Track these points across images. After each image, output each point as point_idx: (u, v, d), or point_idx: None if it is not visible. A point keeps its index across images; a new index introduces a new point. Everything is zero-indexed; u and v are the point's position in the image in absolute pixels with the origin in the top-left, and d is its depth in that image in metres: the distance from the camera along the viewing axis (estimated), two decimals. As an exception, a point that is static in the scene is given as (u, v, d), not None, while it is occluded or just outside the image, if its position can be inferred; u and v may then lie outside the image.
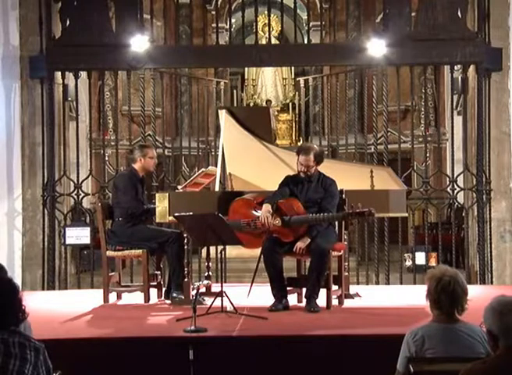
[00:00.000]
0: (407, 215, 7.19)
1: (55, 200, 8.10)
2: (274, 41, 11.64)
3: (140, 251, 6.18)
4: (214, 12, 12.12)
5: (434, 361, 3.20)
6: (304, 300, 5.72)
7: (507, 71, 8.04)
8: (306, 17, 10.15)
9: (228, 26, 10.78)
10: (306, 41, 9.77)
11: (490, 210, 8.00)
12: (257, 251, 5.80)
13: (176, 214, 5.63)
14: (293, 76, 14.93)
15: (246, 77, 15.09)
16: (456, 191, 8.15)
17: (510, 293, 2.98)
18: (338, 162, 7.37)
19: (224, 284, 5.53)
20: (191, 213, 5.54)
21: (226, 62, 9.35)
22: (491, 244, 7.97)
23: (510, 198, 8.04)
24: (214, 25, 10.96)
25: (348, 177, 6.27)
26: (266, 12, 9.86)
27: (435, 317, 3.39)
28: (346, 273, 6.22)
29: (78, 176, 8.20)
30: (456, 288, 3.31)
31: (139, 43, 7.89)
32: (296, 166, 5.86)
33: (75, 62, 8.04)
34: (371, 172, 6.49)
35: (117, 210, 6.29)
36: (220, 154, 6.53)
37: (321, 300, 5.68)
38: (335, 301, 5.88)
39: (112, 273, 6.46)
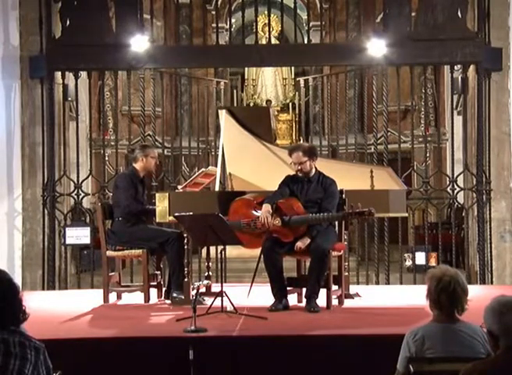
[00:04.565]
0: (407, 215, 7.19)
1: (55, 200, 8.11)
2: (274, 41, 11.61)
3: (140, 251, 6.17)
4: (214, 12, 12.11)
5: (434, 361, 3.20)
6: (304, 300, 5.71)
7: (507, 71, 8.03)
8: (306, 17, 10.14)
9: (228, 26, 10.77)
10: (306, 41, 9.76)
11: (490, 210, 7.99)
12: (257, 251, 5.79)
13: (176, 214, 5.63)
14: (293, 76, 14.92)
15: (246, 77, 15.08)
16: (456, 191, 8.16)
17: (510, 293, 2.98)
18: (338, 162, 7.38)
19: (224, 284, 5.51)
20: (191, 213, 5.54)
21: (226, 62, 9.35)
22: (491, 244, 7.97)
23: (510, 198, 8.04)
24: (214, 25, 10.95)
25: (348, 177, 6.26)
26: (266, 12, 9.87)
27: (435, 317, 3.38)
28: (346, 273, 6.22)
29: (78, 176, 8.20)
30: (457, 288, 3.30)
31: (139, 43, 7.89)
32: (293, 167, 5.86)
33: (75, 62, 8.05)
34: (371, 172, 6.49)
35: (117, 210, 6.28)
36: (220, 154, 6.53)
37: (321, 300, 5.68)
38: (335, 301, 5.88)
39: (112, 273, 6.46)
